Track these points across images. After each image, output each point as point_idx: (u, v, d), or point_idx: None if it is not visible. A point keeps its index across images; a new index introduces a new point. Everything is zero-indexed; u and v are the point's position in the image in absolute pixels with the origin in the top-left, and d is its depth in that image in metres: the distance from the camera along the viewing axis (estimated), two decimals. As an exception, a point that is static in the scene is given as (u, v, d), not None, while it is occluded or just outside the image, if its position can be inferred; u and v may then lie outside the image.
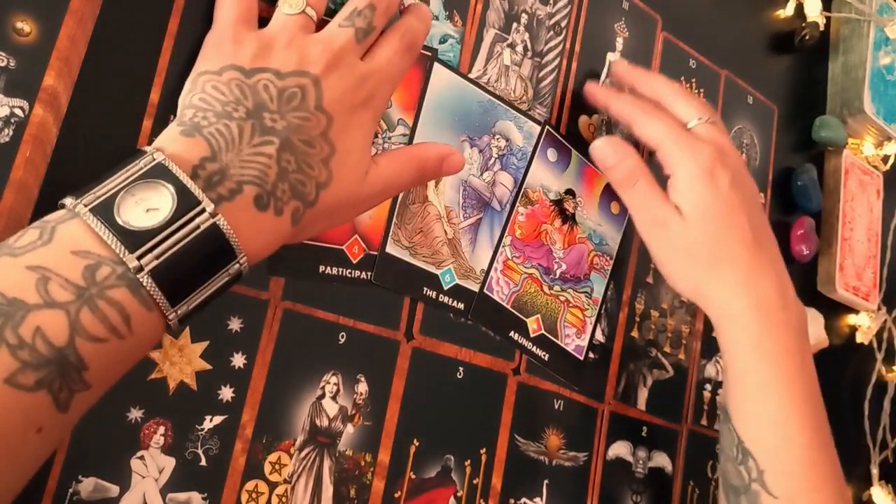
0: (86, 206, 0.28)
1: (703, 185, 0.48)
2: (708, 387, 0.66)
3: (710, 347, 0.67)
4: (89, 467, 0.38)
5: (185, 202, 0.29)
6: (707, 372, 0.66)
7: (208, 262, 0.29)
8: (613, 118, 0.54)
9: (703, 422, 0.65)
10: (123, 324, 0.27)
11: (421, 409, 0.49)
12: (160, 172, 0.29)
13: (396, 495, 0.48)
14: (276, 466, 0.43)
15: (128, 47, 0.41)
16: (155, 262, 0.28)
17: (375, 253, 0.48)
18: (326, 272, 0.46)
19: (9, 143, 0.37)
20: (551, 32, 0.59)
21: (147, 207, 0.28)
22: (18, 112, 0.37)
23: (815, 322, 0.75)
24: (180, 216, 0.28)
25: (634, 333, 0.62)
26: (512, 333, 0.54)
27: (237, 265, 0.30)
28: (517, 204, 0.55)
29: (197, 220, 0.29)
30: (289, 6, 0.37)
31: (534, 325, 0.55)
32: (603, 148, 0.52)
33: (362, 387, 0.47)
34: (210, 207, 0.29)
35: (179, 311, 0.29)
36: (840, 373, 0.82)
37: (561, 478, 0.55)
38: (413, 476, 0.48)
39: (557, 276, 0.57)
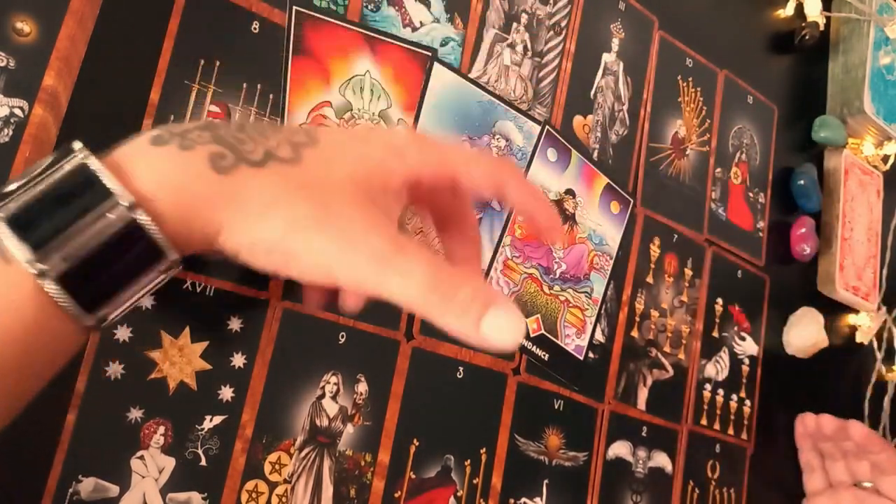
0: None
1: None
2: (708, 387, 0.66)
3: (710, 347, 0.67)
4: (89, 467, 0.38)
5: (62, 154, 0.25)
6: (707, 372, 0.66)
7: (72, 200, 0.25)
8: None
9: (703, 421, 0.65)
10: None
11: (421, 409, 0.49)
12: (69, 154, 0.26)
13: (396, 495, 0.48)
14: (276, 466, 0.43)
15: (128, 47, 0.41)
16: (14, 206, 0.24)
17: (375, 253, 0.48)
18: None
19: (8, 143, 0.37)
20: (551, 32, 0.59)
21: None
22: (18, 112, 0.37)
23: (815, 322, 0.75)
24: (51, 166, 0.25)
25: (634, 333, 0.62)
26: (512, 333, 0.54)
27: (120, 206, 0.25)
28: (517, 204, 0.55)
29: (66, 166, 0.25)
30: None
31: (533, 324, 0.55)
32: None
33: (362, 387, 0.47)
34: (81, 153, 0.25)
35: (47, 264, 0.24)
36: (840, 373, 0.82)
37: (561, 478, 0.55)
38: (413, 476, 0.48)
39: (557, 275, 0.57)
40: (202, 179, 0.27)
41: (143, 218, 0.25)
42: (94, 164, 0.25)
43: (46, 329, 0.25)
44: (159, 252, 0.26)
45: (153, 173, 0.26)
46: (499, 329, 0.27)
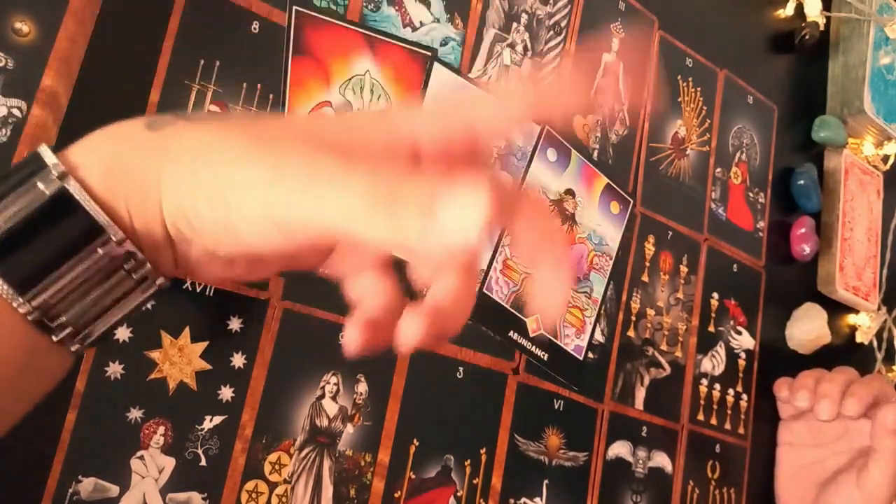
0: None
1: None
2: (704, 381, 0.66)
3: (706, 342, 0.67)
4: (89, 467, 0.38)
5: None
6: (703, 367, 0.66)
7: (10, 177, 0.24)
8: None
9: (700, 417, 0.65)
10: None
11: (421, 409, 0.49)
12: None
13: (396, 495, 0.48)
14: (276, 466, 0.43)
15: (128, 47, 0.41)
16: None
17: (375, 253, 0.48)
18: (326, 272, 0.46)
19: (6, 142, 0.37)
20: (551, 32, 0.59)
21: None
22: (16, 112, 0.37)
23: (819, 317, 0.75)
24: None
25: (631, 333, 0.62)
26: (511, 333, 0.54)
27: (51, 175, 0.23)
28: (517, 204, 0.55)
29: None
30: None
31: (533, 324, 0.55)
32: None
33: (362, 387, 0.47)
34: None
35: None
36: (840, 372, 0.82)
37: (561, 478, 0.55)
38: (413, 476, 0.48)
39: (557, 275, 0.57)
40: (132, 139, 0.25)
41: (71, 185, 0.23)
42: (42, 147, 0.24)
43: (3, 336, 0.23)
44: (95, 226, 0.24)
45: (89, 143, 0.25)
46: (457, 215, 0.21)
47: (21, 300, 0.23)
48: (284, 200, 0.23)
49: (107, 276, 0.25)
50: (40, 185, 0.23)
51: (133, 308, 0.27)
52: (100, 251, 0.24)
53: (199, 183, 0.24)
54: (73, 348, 0.25)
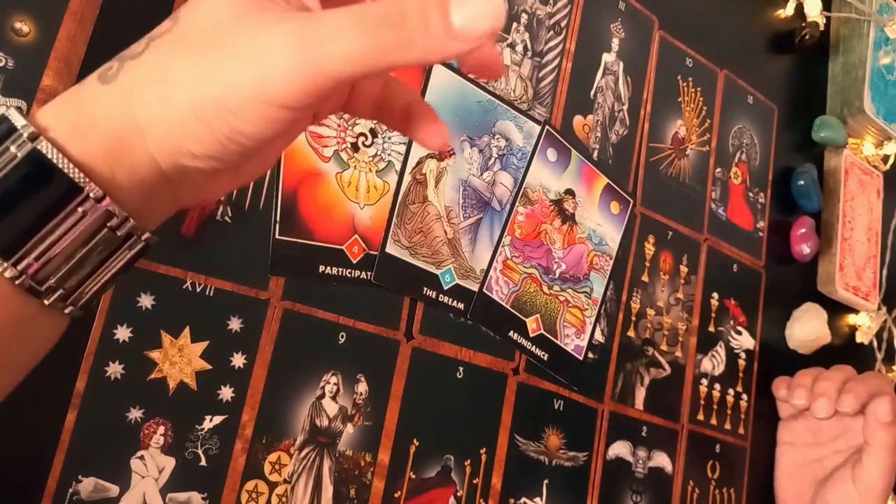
0: None
1: None
2: (704, 381, 0.66)
3: (706, 342, 0.67)
4: (89, 467, 0.38)
5: None
6: (703, 367, 0.66)
7: None
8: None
9: (700, 417, 0.65)
10: None
11: (421, 409, 0.49)
12: None
13: (396, 495, 0.48)
14: (276, 466, 0.43)
15: (128, 47, 0.41)
16: None
17: (375, 253, 0.48)
18: (326, 272, 0.46)
19: (8, 143, 0.37)
20: (551, 32, 0.59)
21: None
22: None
23: (819, 317, 0.75)
24: None
25: (631, 333, 0.62)
26: (511, 333, 0.54)
27: (22, 138, 0.23)
28: (517, 204, 0.55)
29: None
30: None
31: (533, 324, 0.55)
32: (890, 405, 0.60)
33: (362, 387, 0.47)
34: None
35: None
36: (840, 372, 0.82)
37: (561, 478, 0.55)
38: (413, 476, 0.48)
39: (557, 275, 0.57)
40: (93, 97, 0.25)
41: (43, 145, 0.23)
42: (10, 109, 0.24)
43: None
44: (73, 185, 0.23)
45: (51, 108, 0.25)
46: (475, 9, 0.22)
47: (5, 264, 0.23)
48: (275, 77, 0.23)
49: (91, 236, 0.25)
50: (12, 149, 0.23)
51: (123, 266, 0.26)
52: (80, 210, 0.24)
53: (178, 108, 0.24)
54: (66, 311, 0.25)
